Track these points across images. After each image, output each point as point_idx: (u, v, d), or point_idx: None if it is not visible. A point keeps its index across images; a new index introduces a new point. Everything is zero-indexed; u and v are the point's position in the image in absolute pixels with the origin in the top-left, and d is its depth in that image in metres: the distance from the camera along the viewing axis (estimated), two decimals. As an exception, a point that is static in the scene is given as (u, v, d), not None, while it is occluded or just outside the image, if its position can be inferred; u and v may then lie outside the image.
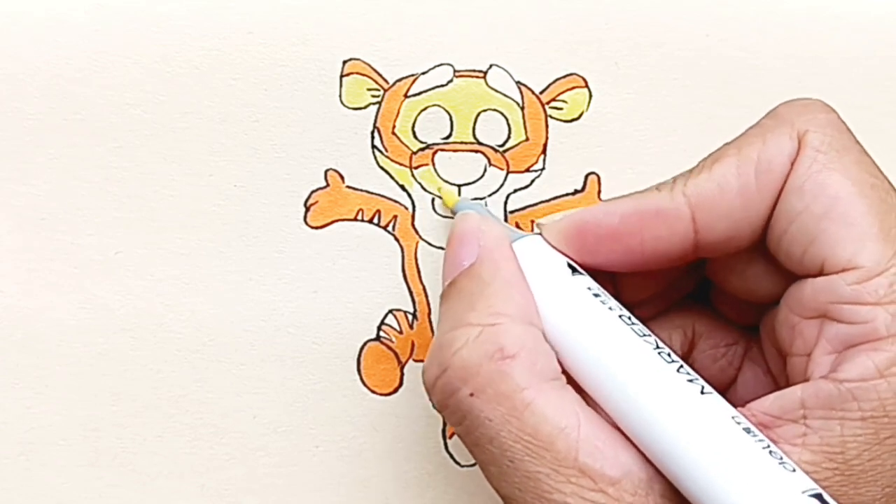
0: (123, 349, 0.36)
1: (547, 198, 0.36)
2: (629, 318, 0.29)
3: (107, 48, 0.35)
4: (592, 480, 0.27)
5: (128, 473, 0.36)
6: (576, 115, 0.36)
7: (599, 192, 0.36)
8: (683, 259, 0.30)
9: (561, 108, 0.36)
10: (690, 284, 0.33)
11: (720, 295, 0.33)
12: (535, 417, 0.27)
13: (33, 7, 0.35)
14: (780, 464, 0.25)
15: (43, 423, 0.36)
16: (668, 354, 0.28)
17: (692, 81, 0.36)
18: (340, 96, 0.35)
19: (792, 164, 0.28)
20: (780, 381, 0.31)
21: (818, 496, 0.25)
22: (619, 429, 0.28)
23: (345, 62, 0.35)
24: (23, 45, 0.35)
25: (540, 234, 0.31)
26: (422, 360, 0.36)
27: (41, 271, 0.35)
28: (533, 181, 0.36)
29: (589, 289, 0.29)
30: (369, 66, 0.35)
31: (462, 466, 0.36)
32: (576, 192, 0.36)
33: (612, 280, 0.31)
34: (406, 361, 0.36)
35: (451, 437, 0.36)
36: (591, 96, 0.36)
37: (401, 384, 0.36)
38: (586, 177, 0.36)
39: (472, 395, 0.28)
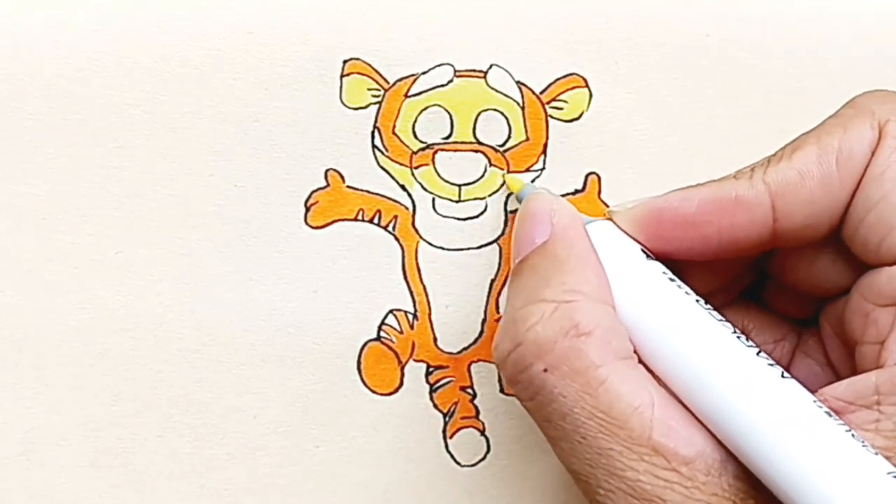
0: (123, 349, 0.36)
1: (547, 198, 0.36)
2: (704, 303, 0.29)
3: (107, 48, 0.35)
4: (666, 459, 0.27)
5: (128, 473, 0.36)
6: (576, 115, 0.36)
7: (599, 192, 0.36)
8: (758, 248, 0.30)
9: (561, 108, 0.36)
10: (748, 280, 0.33)
11: (777, 289, 0.33)
12: (610, 395, 0.27)
13: (33, 7, 0.35)
14: (862, 446, 0.26)
15: (43, 423, 0.36)
16: (746, 339, 0.28)
17: (692, 81, 0.36)
18: (341, 96, 0.35)
19: (872, 153, 0.28)
20: (841, 372, 0.31)
21: None
22: (690, 410, 0.28)
23: (345, 62, 0.35)
24: (23, 45, 0.35)
25: (611, 219, 0.31)
26: (422, 361, 0.36)
27: (41, 271, 0.35)
28: (533, 181, 0.36)
29: (664, 273, 0.29)
30: (369, 65, 0.35)
31: (462, 466, 0.36)
32: (576, 191, 0.36)
33: (676, 274, 0.31)
34: (406, 361, 0.36)
35: (451, 437, 0.36)
36: (591, 96, 0.36)
37: (401, 384, 0.36)
38: (586, 177, 0.36)
39: (545, 370, 0.28)
